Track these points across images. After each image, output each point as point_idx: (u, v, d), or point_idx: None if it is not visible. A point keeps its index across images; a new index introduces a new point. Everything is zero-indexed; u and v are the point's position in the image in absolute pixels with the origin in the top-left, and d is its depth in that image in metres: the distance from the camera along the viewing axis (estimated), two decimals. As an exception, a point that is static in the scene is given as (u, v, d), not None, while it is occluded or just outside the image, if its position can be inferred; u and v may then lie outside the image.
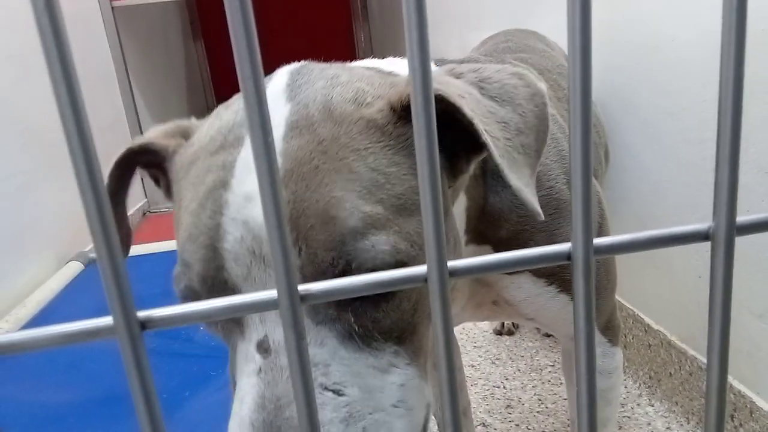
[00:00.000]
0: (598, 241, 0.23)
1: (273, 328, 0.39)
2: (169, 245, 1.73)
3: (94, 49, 2.39)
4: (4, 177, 1.60)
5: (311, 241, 0.38)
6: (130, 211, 2.47)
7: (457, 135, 0.45)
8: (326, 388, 0.39)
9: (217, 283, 0.41)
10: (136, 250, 1.73)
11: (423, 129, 0.20)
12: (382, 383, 0.41)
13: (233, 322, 0.41)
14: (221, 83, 4.17)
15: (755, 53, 0.77)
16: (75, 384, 1.09)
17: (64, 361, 1.15)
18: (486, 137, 0.41)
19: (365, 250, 0.38)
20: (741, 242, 0.83)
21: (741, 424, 0.90)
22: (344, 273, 0.39)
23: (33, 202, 1.71)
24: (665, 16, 0.95)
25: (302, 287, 0.22)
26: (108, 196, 0.19)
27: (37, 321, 1.37)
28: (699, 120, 0.91)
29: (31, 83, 1.71)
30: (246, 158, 0.41)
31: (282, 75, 0.47)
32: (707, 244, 0.23)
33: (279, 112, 0.43)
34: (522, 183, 0.42)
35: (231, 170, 0.41)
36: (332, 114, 0.42)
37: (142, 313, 0.21)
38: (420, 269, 0.23)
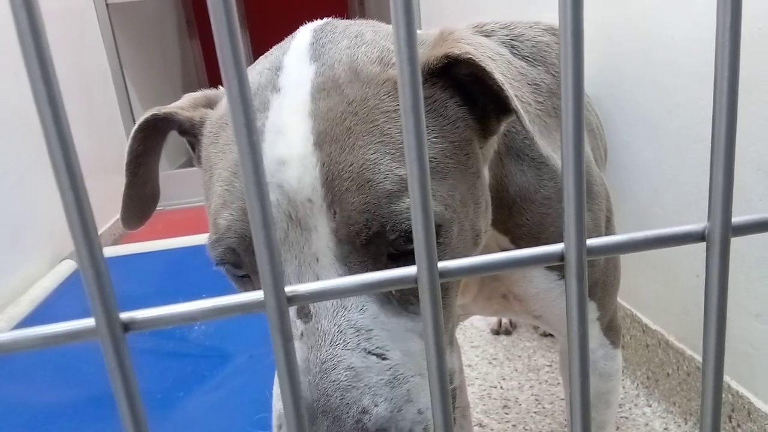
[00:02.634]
0: (591, 241, 0.23)
1: None
2: (164, 244, 1.73)
3: (89, 46, 2.38)
4: (-2, 175, 1.59)
5: (345, 203, 0.39)
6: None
7: (488, 94, 0.44)
8: (370, 353, 0.39)
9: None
10: (130, 248, 1.73)
11: (412, 126, 0.20)
12: (420, 347, 0.42)
13: None
14: (217, 81, 4.14)
15: (753, 52, 0.77)
16: (67, 383, 1.08)
17: (56, 360, 1.14)
18: (516, 104, 0.41)
19: (399, 213, 0.39)
20: (738, 241, 0.83)
21: (739, 425, 0.89)
22: (378, 235, 0.39)
23: (27, 200, 1.70)
24: (663, 14, 0.95)
25: (289, 289, 0.21)
26: (83, 191, 0.18)
27: (31, 319, 1.36)
28: (697, 118, 0.90)
29: (26, 80, 1.70)
30: (274, 122, 0.41)
31: (305, 33, 0.47)
32: (705, 244, 0.22)
33: (303, 72, 0.43)
34: (552, 149, 0.42)
35: (261, 135, 0.41)
36: (359, 75, 0.42)
37: (124, 315, 0.20)
38: (410, 270, 0.22)
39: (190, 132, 0.52)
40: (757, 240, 0.82)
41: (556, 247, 0.22)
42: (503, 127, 0.48)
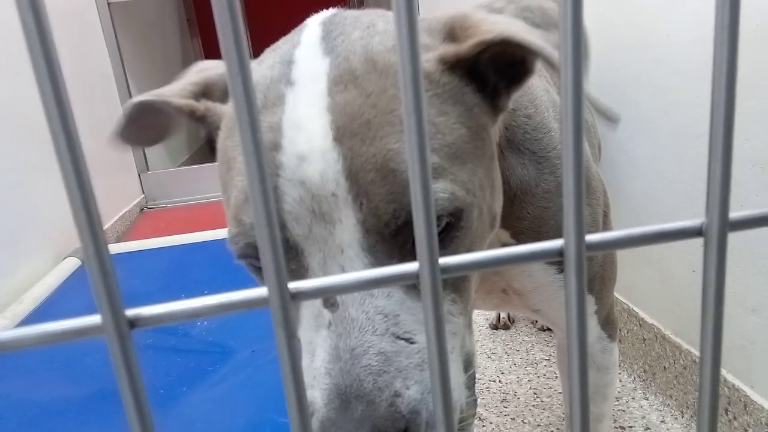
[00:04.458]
0: (590, 237, 0.23)
1: None
2: (167, 241, 1.73)
3: (91, 45, 2.38)
4: (0, 173, 1.59)
5: (372, 195, 0.39)
6: (128, 206, 2.46)
7: (499, 71, 0.45)
8: (398, 337, 0.40)
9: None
10: (133, 246, 1.73)
11: (414, 126, 0.20)
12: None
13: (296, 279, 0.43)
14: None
15: (750, 48, 0.77)
16: (72, 379, 1.09)
17: (61, 356, 1.15)
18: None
19: None
20: (735, 236, 0.83)
21: (735, 418, 0.90)
22: (406, 224, 0.40)
23: (30, 198, 1.71)
24: (660, 12, 0.95)
25: (293, 285, 0.21)
26: (90, 189, 0.19)
27: (34, 317, 1.37)
28: (693, 116, 0.91)
29: (28, 79, 1.70)
30: (291, 117, 0.41)
31: (314, 26, 0.47)
32: (701, 239, 0.23)
33: (317, 66, 0.43)
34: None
35: (279, 131, 0.41)
36: (376, 65, 0.42)
37: (130, 312, 0.21)
38: (412, 266, 0.23)
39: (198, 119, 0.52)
40: (753, 235, 0.82)
41: (556, 243, 0.23)
42: (511, 102, 0.49)
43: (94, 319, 0.21)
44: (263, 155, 0.20)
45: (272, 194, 0.20)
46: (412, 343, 0.40)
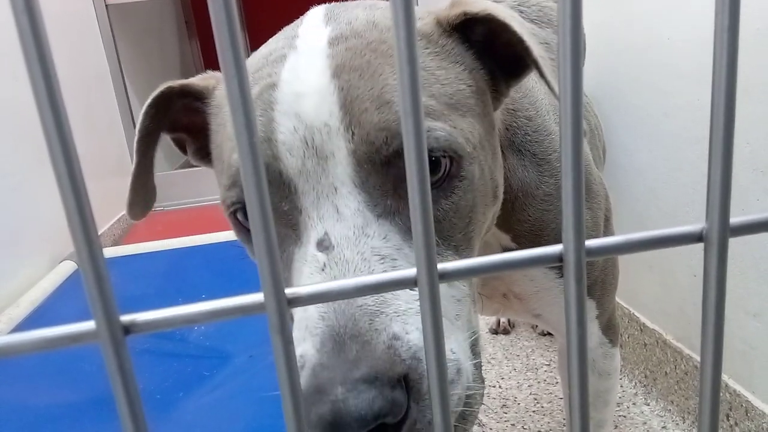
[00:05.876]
0: (590, 242, 0.23)
1: (333, 225, 0.39)
2: (164, 244, 1.73)
3: (88, 47, 2.37)
4: (-3, 176, 1.59)
5: (364, 123, 0.39)
6: (125, 210, 2.45)
7: (497, 58, 0.46)
8: None
9: (272, 172, 0.40)
10: (129, 249, 1.72)
11: (411, 125, 0.20)
12: (445, 292, 0.40)
13: (288, 227, 0.41)
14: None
15: (750, 52, 0.77)
16: (68, 385, 1.08)
17: (57, 361, 1.14)
18: (535, 55, 0.42)
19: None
20: (736, 242, 0.83)
21: (736, 423, 0.90)
22: (398, 155, 0.39)
23: (27, 201, 1.70)
24: (660, 15, 0.95)
25: (289, 291, 0.21)
26: (84, 194, 0.18)
27: (30, 321, 1.36)
28: (694, 119, 0.91)
29: (26, 82, 1.70)
30: (292, 65, 0.42)
31: (316, 10, 0.48)
32: (702, 244, 0.22)
33: (318, 34, 0.44)
34: None
35: (278, 76, 0.42)
36: (377, 26, 0.43)
37: (125, 318, 0.20)
38: (409, 272, 0.22)
39: (186, 127, 0.52)
40: (754, 240, 0.82)
41: (555, 248, 0.22)
42: (511, 91, 0.49)
43: (89, 325, 0.20)
44: (259, 156, 0.19)
45: (267, 197, 0.20)
46: (411, 289, 0.38)
